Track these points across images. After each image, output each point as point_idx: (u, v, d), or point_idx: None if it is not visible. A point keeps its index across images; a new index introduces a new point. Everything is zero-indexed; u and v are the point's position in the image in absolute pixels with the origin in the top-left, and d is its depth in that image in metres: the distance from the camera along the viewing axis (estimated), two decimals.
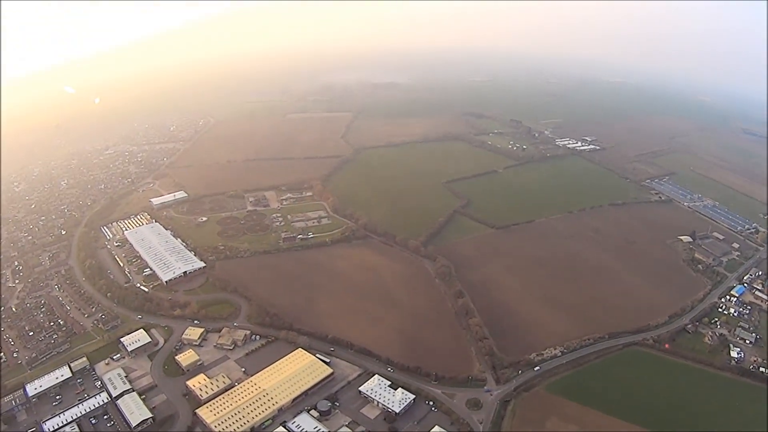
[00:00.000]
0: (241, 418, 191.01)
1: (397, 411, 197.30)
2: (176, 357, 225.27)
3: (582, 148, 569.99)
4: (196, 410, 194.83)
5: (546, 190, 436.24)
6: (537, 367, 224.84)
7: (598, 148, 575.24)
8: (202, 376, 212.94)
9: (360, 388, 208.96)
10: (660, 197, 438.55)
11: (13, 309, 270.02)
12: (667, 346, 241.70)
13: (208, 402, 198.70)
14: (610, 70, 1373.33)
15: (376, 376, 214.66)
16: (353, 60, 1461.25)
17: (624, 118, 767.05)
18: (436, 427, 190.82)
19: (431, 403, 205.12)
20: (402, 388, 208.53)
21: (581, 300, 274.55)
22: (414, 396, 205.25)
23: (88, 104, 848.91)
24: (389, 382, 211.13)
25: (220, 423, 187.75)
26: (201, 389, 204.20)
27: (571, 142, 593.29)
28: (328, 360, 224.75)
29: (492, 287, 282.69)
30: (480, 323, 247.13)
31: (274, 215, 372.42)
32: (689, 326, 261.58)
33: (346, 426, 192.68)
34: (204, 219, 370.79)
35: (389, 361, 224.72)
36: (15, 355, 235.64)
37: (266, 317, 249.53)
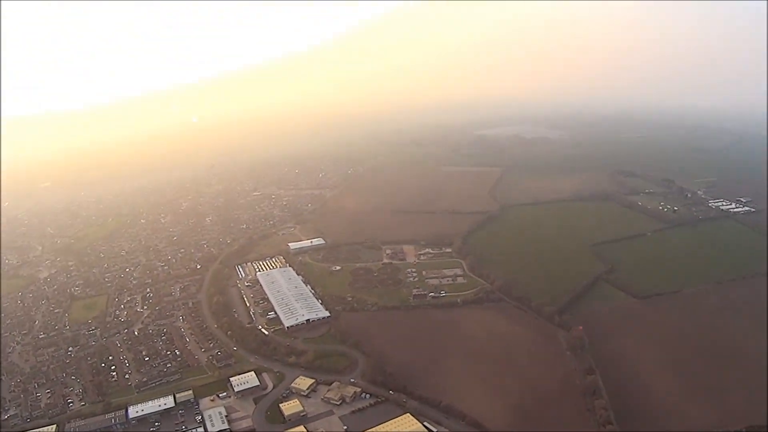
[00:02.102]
0: None
1: None
2: (280, 405, 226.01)
3: (736, 210, 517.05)
4: None
5: (695, 256, 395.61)
6: None
7: (753, 210, 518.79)
8: (302, 428, 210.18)
9: None
10: None
11: (136, 333, 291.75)
12: None
13: None
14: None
15: None
16: (508, 112, 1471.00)
17: None
18: None
19: None
20: None
21: (723, 386, 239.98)
22: None
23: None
24: None
25: None
26: None
27: (724, 203, 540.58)
28: (435, 430, 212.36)
29: (626, 363, 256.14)
30: (606, 406, 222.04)
31: (409, 270, 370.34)
32: None
33: None
34: (338, 268, 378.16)
35: None
36: (126, 376, 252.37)
37: (380, 375, 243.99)
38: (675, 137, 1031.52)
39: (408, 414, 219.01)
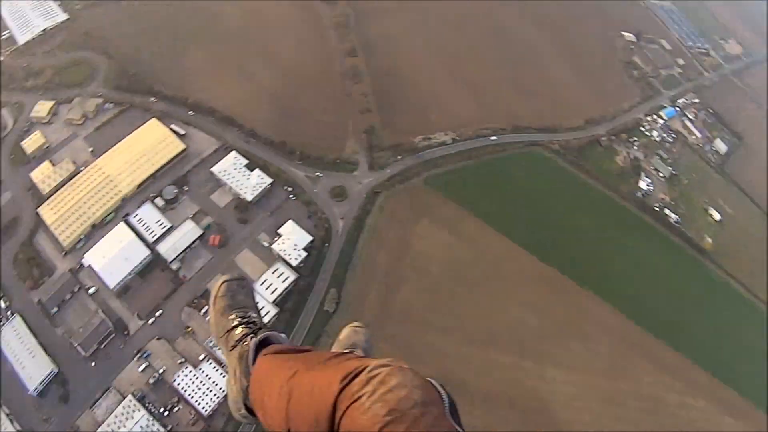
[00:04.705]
0: (82, 214, 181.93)
1: (250, 199, 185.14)
2: (21, 143, 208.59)
3: None
4: (38, 209, 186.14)
5: None
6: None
7: None
8: (46, 164, 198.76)
9: (212, 169, 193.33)
10: None
11: None
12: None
13: (51, 196, 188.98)
14: None
15: (233, 153, 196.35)
16: None
17: None
18: (290, 222, 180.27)
19: (290, 189, 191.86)
20: (260, 169, 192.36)
21: (493, 78, 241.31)
22: (272, 180, 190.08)
23: None
24: (246, 161, 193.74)
25: (60, 223, 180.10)
26: (44, 181, 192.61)
27: None
28: (183, 132, 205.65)
29: (392, 47, 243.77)
30: (367, 91, 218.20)
31: None
32: (604, 139, 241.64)
33: (191, 218, 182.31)
34: None
35: (252, 132, 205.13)
36: None
37: (124, 79, 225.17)
38: None
39: (154, 119, 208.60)
